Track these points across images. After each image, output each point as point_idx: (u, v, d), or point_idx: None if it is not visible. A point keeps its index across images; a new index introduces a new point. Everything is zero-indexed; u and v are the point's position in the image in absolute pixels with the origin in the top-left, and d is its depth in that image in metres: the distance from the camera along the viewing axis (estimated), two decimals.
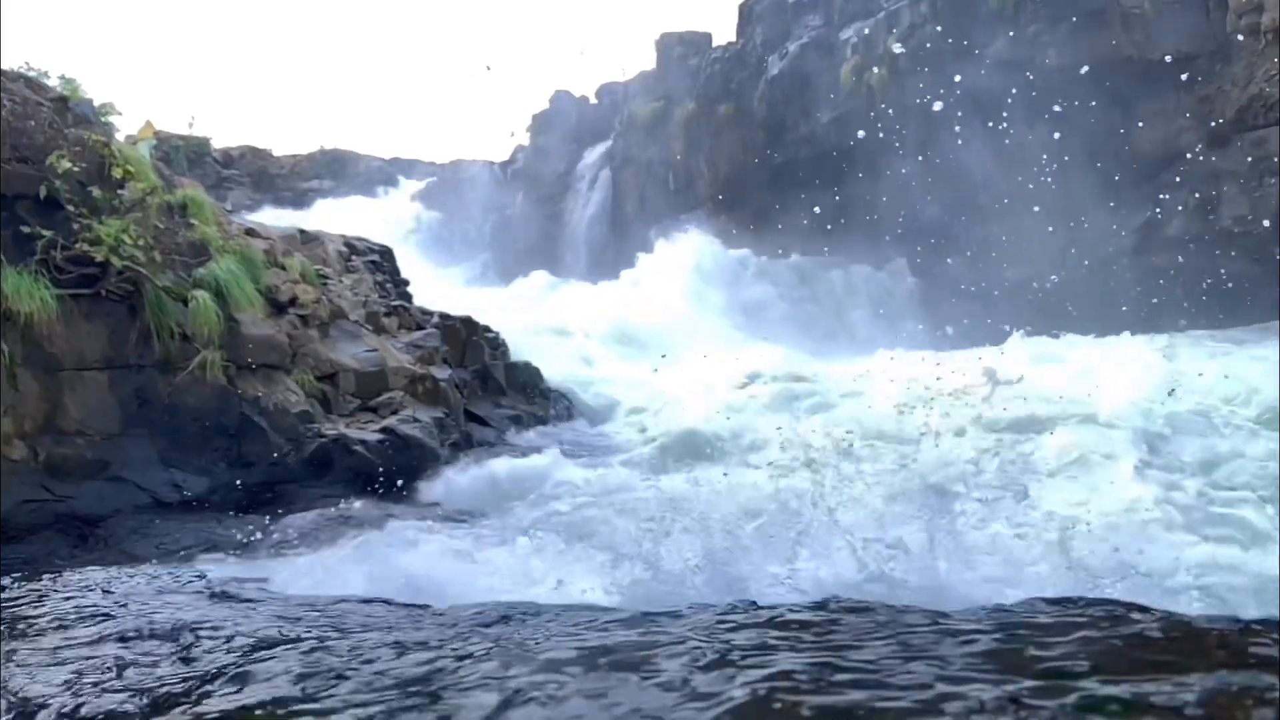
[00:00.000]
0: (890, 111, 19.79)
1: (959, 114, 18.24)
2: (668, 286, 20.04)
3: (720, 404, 10.76)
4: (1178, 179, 16.95)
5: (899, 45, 19.90)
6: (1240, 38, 16.18)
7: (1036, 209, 17.58)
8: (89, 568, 4.58)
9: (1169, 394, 8.74)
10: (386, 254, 12.65)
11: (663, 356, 10.83)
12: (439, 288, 16.70)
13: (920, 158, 18.83)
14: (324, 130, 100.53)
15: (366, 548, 5.38)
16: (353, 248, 12.09)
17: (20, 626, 2.95)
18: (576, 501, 6.85)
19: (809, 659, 1.96)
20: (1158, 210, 17.02)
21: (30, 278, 7.27)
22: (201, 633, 2.71)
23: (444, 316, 11.21)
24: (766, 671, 1.86)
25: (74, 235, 7.66)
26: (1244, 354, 11.82)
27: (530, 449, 9.41)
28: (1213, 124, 16.33)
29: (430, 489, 8.01)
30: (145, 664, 2.42)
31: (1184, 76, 16.46)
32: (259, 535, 6.47)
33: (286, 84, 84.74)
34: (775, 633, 2.24)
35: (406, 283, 12.72)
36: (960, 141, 18.45)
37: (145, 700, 2.14)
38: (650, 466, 8.59)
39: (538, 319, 16.33)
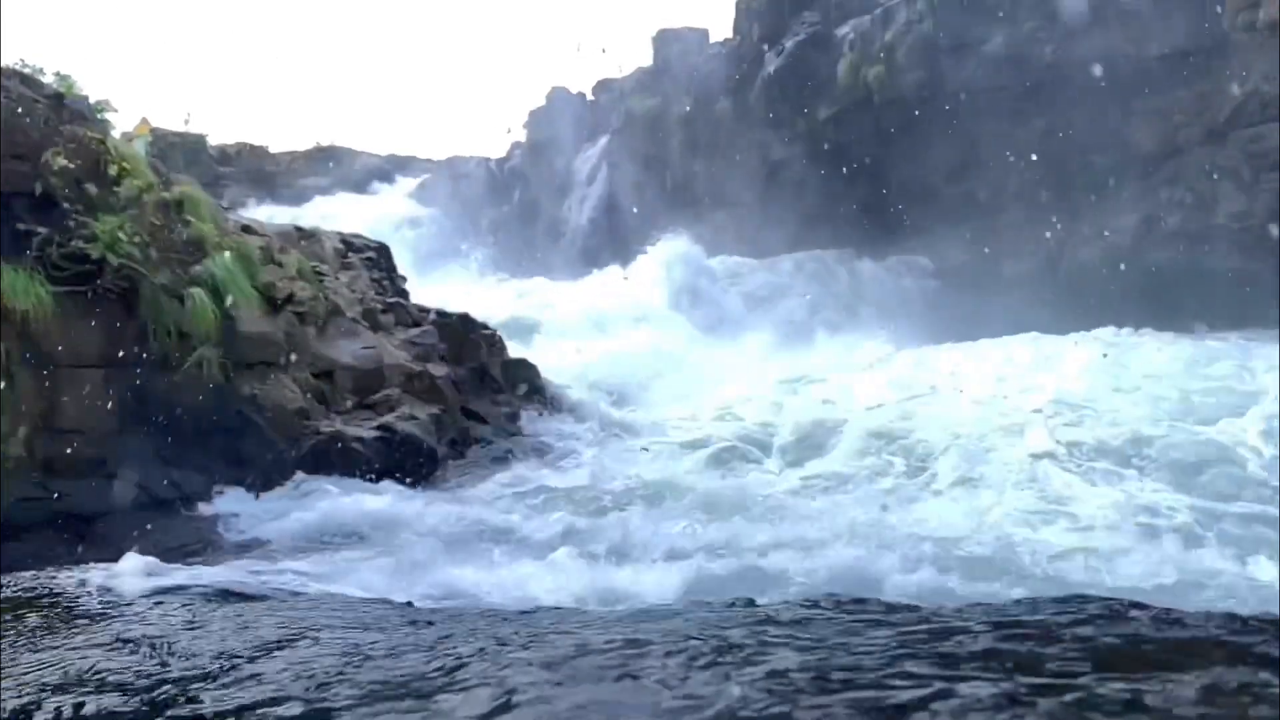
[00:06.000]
0: (888, 108, 19.79)
1: (956, 111, 18.26)
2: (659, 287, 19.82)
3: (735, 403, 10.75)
4: (1175, 176, 16.95)
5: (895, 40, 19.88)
6: (1237, 34, 16.18)
7: (1034, 207, 17.62)
8: (86, 566, 4.57)
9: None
10: (383, 251, 12.60)
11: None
12: (438, 286, 16.68)
13: (918, 155, 18.83)
14: (320, 127, 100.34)
15: None
16: (349, 244, 12.04)
17: (17, 626, 2.94)
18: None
19: (806, 657, 1.95)
20: (1156, 207, 17.03)
21: (26, 275, 7.23)
22: (200, 632, 2.71)
23: (441, 314, 11.16)
24: (764, 669, 1.86)
25: (70, 232, 7.62)
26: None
27: (522, 449, 9.41)
28: (1209, 121, 16.34)
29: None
30: (144, 664, 2.41)
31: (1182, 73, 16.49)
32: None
33: (283, 81, 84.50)
34: (773, 630, 2.23)
35: (403, 279, 12.67)
36: (958, 139, 18.47)
37: (144, 700, 2.13)
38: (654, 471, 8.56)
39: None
